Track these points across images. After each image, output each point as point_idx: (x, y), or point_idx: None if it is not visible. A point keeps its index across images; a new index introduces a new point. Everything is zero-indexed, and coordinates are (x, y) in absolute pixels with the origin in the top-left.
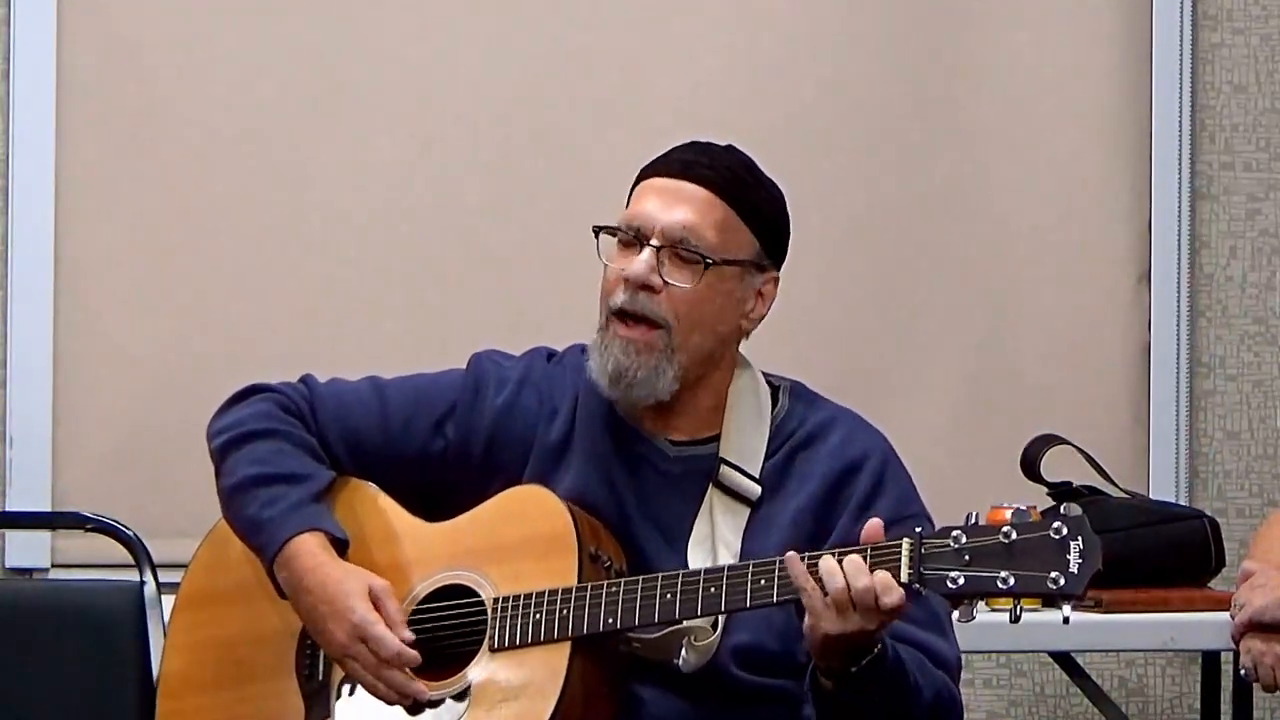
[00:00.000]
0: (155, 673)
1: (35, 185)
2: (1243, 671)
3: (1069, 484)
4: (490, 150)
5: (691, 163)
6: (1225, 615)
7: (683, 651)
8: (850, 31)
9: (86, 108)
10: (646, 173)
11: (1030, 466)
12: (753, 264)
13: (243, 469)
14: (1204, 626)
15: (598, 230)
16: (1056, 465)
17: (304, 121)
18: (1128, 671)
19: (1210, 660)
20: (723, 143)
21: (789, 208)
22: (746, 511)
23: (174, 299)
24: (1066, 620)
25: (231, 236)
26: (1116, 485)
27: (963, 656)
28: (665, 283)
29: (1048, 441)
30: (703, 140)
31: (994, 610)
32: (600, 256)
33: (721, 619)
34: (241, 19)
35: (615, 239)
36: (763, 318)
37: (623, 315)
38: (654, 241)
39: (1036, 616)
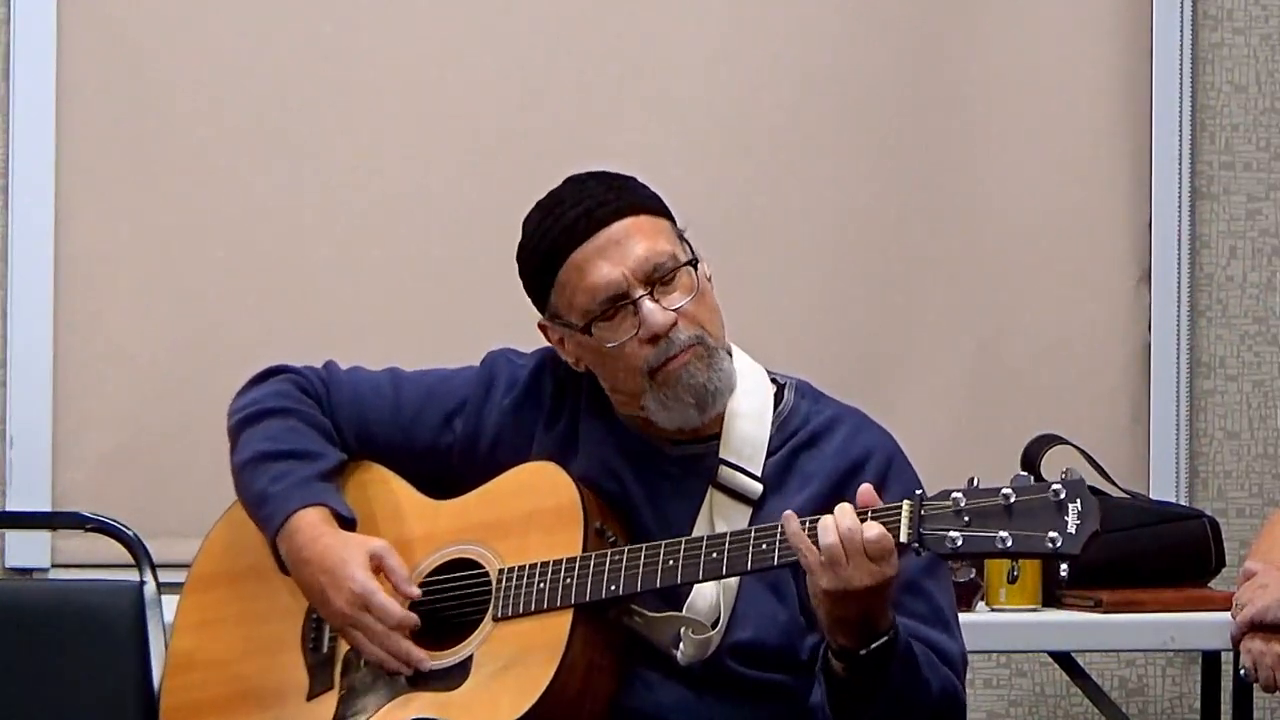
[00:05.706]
0: (155, 672)
1: (35, 185)
2: (1242, 671)
3: None
4: (488, 152)
5: (597, 208)
6: (1225, 615)
7: (680, 643)
8: (850, 31)
9: (86, 108)
10: (564, 250)
11: (1030, 466)
12: (693, 258)
13: (254, 445)
14: (1204, 626)
15: (588, 327)
16: (1056, 465)
17: (304, 121)
18: (1128, 671)
19: (1210, 660)
20: (568, 174)
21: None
22: (749, 510)
23: (174, 299)
24: (1063, 581)
25: (232, 237)
26: (1116, 485)
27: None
28: (676, 312)
29: (1048, 441)
30: (557, 189)
31: (995, 611)
32: (579, 352)
33: (724, 617)
34: (241, 19)
35: (599, 322)
36: None
37: (668, 360)
38: (638, 292)
39: (1037, 616)
